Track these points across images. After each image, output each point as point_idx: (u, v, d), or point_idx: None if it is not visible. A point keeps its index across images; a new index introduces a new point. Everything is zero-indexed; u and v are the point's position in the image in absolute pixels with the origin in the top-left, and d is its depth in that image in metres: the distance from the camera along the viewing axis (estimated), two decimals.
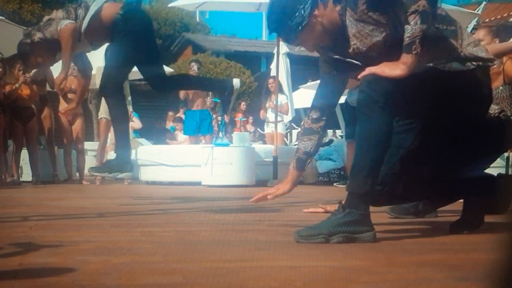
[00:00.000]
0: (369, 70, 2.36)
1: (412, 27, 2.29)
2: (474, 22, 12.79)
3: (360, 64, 2.51)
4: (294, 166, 2.84)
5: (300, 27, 2.42)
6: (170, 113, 14.81)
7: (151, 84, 4.60)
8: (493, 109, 3.25)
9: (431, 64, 2.46)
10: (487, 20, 19.88)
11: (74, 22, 4.27)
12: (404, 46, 2.32)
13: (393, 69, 2.33)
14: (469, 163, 2.74)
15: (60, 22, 4.26)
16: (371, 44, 2.44)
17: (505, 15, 20.38)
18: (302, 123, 2.81)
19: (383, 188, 2.58)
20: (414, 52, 2.30)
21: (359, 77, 2.37)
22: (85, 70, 4.77)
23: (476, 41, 2.62)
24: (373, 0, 2.37)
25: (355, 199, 2.37)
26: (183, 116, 13.61)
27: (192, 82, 5.14)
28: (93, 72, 9.12)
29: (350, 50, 2.49)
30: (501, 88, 5.79)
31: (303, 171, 2.92)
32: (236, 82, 4.63)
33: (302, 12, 2.39)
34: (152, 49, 4.54)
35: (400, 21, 2.36)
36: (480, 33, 5.11)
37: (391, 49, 2.40)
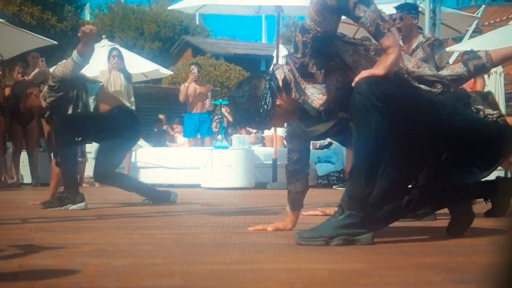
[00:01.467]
0: (362, 74, 2.37)
1: (365, 16, 2.36)
2: (474, 25, 12.81)
3: (332, 121, 2.57)
4: (291, 208, 2.91)
5: (268, 119, 2.55)
6: (161, 116, 14.82)
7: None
8: (491, 113, 3.27)
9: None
10: (486, 23, 19.90)
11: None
12: (373, 35, 2.39)
13: (386, 60, 2.36)
14: (469, 169, 2.74)
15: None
16: (330, 99, 2.47)
17: (504, 18, 20.40)
18: (285, 165, 2.90)
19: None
20: (386, 31, 2.37)
21: (353, 84, 2.38)
22: None
23: (419, 62, 2.68)
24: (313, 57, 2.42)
25: (355, 202, 2.37)
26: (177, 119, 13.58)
27: (136, 186, 5.07)
28: (90, 74, 9.18)
29: (317, 111, 2.52)
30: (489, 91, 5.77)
31: (301, 209, 2.99)
32: (173, 197, 4.87)
33: (266, 107, 2.51)
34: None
35: (346, 63, 2.45)
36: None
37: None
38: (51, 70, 9.49)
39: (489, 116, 3.30)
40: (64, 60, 4.62)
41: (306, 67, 2.44)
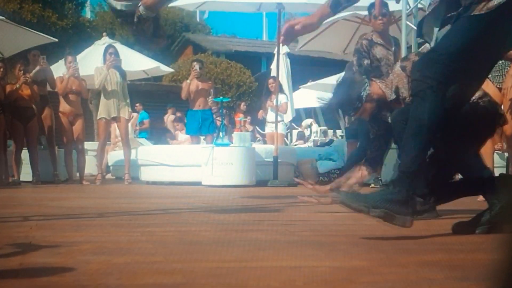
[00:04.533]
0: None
1: None
2: None
3: None
4: (329, 4, 2.70)
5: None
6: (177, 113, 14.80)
7: None
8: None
9: None
10: None
11: None
12: None
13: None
14: (457, 150, 2.78)
15: None
16: None
17: None
18: None
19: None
20: None
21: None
22: None
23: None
24: None
25: (405, 178, 2.40)
26: (179, 116, 13.60)
27: None
28: (91, 72, 9.19)
29: None
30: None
31: (335, 14, 2.79)
32: None
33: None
34: None
35: None
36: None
37: None
38: (52, 67, 9.52)
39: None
40: None
41: None
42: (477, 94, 3.08)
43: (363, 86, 3.34)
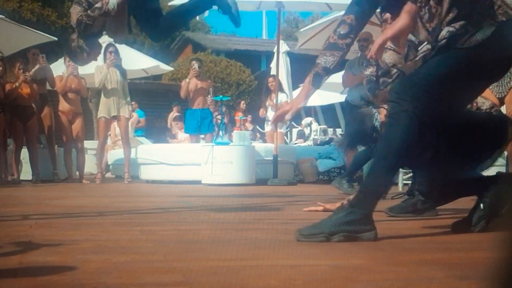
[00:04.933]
0: (374, 46, 2.42)
1: None
2: None
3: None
4: (310, 81, 2.75)
5: None
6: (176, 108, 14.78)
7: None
8: (485, 104, 3.26)
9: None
10: None
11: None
12: None
13: (394, 24, 2.40)
14: (465, 160, 2.75)
15: None
16: None
17: None
18: (326, 40, 2.72)
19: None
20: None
21: (368, 56, 2.42)
22: None
23: None
24: None
25: (364, 198, 2.38)
26: (178, 114, 13.58)
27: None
28: (91, 71, 9.18)
29: None
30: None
31: (318, 88, 2.83)
32: None
33: None
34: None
35: None
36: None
37: None
38: (51, 66, 9.51)
39: (481, 108, 3.29)
40: None
41: None
42: (488, 104, 3.08)
43: (374, 117, 3.36)
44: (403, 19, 2.44)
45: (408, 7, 2.44)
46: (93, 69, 9.04)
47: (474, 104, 3.57)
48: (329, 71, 2.69)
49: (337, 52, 2.66)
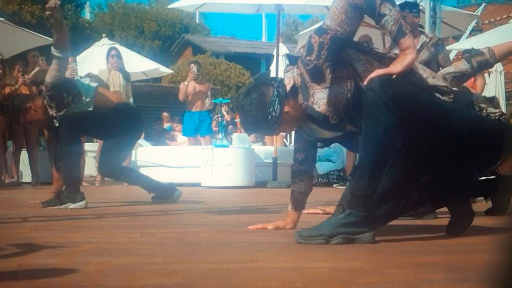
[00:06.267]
0: (377, 72, 2.37)
1: (390, 14, 2.37)
2: (473, 24, 12.80)
3: (339, 132, 2.60)
4: (293, 208, 2.91)
5: (276, 125, 2.54)
6: (165, 114, 14.82)
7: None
8: (494, 112, 3.25)
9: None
10: (486, 21, 19.89)
11: None
12: (395, 33, 2.39)
13: (404, 59, 2.38)
14: (471, 167, 2.73)
15: None
16: (339, 106, 2.47)
17: (505, 16, 20.39)
18: (291, 165, 2.96)
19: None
20: (407, 32, 2.38)
21: (365, 82, 2.38)
22: None
23: (433, 73, 2.70)
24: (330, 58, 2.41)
25: (357, 200, 2.37)
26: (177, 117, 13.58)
27: (141, 181, 5.13)
28: (95, 72, 9.17)
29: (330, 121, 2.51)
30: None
31: (303, 210, 2.98)
32: (177, 194, 4.95)
33: (274, 114, 2.51)
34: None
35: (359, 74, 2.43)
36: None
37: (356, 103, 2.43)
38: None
39: (491, 115, 3.28)
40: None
41: (319, 70, 2.43)
42: (497, 112, 3.08)
43: None
44: (412, 54, 2.40)
45: (412, 38, 2.42)
46: (95, 72, 9.03)
47: (484, 111, 3.57)
48: (305, 194, 2.91)
49: (304, 176, 2.89)
